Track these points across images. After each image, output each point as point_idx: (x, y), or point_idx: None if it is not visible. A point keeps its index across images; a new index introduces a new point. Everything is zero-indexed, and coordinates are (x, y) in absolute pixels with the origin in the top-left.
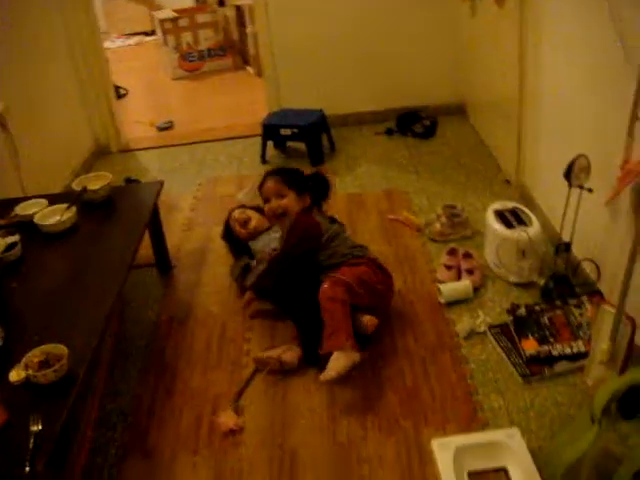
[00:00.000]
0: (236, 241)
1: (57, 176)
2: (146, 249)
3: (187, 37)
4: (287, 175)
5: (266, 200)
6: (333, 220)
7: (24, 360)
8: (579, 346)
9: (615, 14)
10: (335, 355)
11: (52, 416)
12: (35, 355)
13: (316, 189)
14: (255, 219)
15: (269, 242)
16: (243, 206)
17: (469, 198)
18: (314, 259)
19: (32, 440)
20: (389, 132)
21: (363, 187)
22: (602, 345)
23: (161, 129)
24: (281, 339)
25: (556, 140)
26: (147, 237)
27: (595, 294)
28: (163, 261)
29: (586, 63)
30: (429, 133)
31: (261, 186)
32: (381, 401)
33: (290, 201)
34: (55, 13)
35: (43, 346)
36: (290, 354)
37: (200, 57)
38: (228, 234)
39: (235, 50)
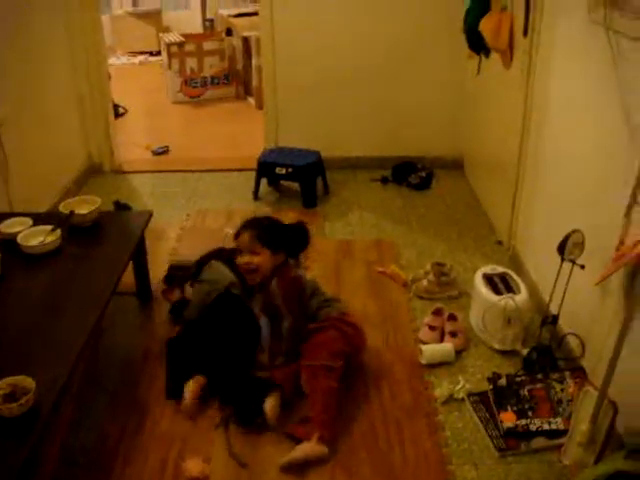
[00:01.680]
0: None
1: (47, 192)
2: (128, 276)
3: (192, 63)
4: (263, 232)
5: (239, 251)
6: None
7: None
8: (558, 423)
9: (624, 91)
10: (303, 444)
11: (12, 453)
12: (1, 387)
13: (295, 240)
14: (262, 264)
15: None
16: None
17: (459, 257)
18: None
19: None
20: (384, 180)
21: (353, 234)
22: (582, 426)
23: (156, 153)
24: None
25: (552, 209)
26: (131, 264)
27: (578, 370)
28: (144, 291)
29: (591, 136)
30: (424, 185)
31: (237, 235)
32: (352, 460)
33: (263, 259)
34: (60, 24)
35: (10, 378)
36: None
37: (203, 84)
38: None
39: (238, 80)
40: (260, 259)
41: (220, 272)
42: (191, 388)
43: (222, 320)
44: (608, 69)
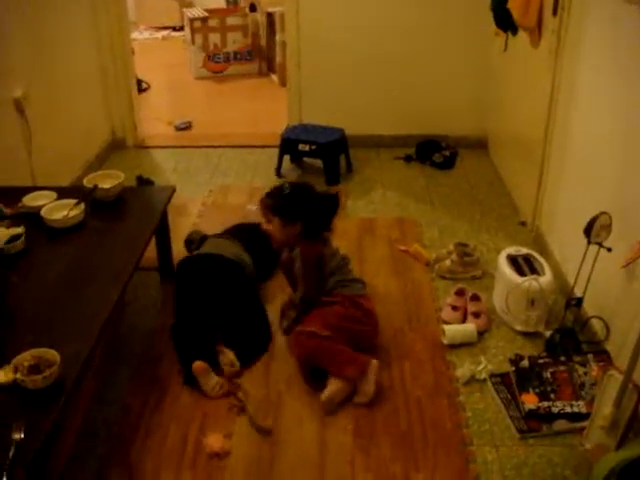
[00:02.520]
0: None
1: (70, 166)
2: (150, 252)
3: (215, 38)
4: (275, 201)
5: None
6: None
7: (14, 362)
8: (580, 406)
9: None
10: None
11: (36, 425)
12: (26, 359)
13: (315, 213)
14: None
15: None
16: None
17: (482, 236)
18: None
19: (12, 449)
20: (408, 159)
21: (376, 212)
22: (605, 410)
23: (179, 129)
24: (278, 362)
25: (578, 190)
26: (153, 240)
27: (602, 354)
28: (166, 266)
29: (619, 118)
30: (448, 164)
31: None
32: (372, 441)
33: (274, 228)
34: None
35: (35, 350)
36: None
37: (226, 59)
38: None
39: (262, 56)
40: (271, 227)
41: (222, 248)
42: (202, 377)
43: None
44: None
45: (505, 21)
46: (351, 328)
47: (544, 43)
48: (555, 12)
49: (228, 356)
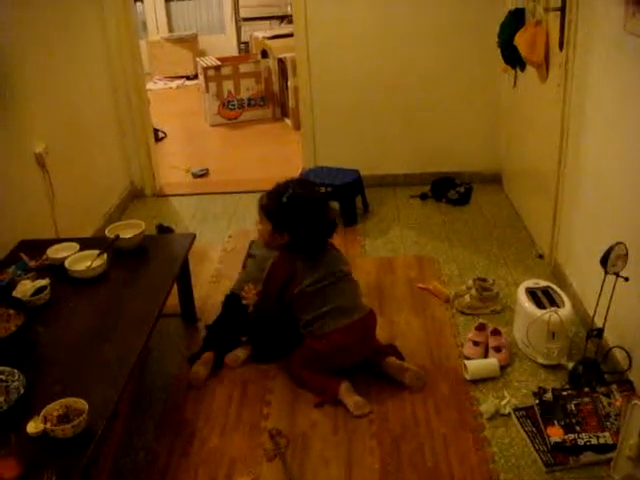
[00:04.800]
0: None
1: (91, 217)
2: (173, 298)
3: (229, 85)
4: (271, 206)
5: None
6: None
7: (43, 412)
8: (606, 437)
9: None
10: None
11: (66, 473)
12: (55, 408)
13: (318, 231)
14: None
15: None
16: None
17: (500, 271)
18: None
19: None
20: (423, 197)
21: (394, 251)
22: (630, 440)
23: (196, 176)
24: (303, 403)
25: (593, 221)
26: (175, 286)
27: (625, 384)
28: (189, 312)
29: (629, 147)
30: (463, 200)
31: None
32: (399, 477)
33: (263, 229)
34: (100, 52)
35: (64, 399)
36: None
37: (240, 106)
38: None
39: (275, 101)
40: (261, 227)
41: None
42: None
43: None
44: None
45: (513, 57)
46: (341, 357)
47: (552, 77)
48: (561, 47)
49: (235, 352)
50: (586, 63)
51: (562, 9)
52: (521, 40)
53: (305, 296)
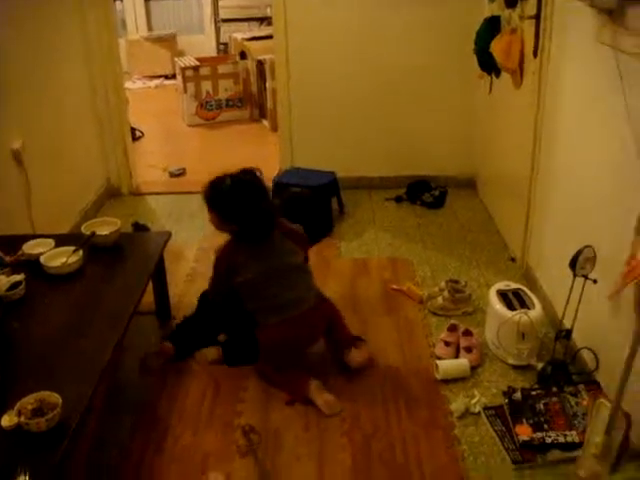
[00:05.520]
0: None
1: (67, 214)
2: (148, 296)
3: (207, 86)
4: (213, 196)
5: None
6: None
7: (17, 406)
8: (573, 436)
9: (632, 112)
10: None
11: (40, 467)
12: (29, 402)
13: (258, 218)
14: (211, 221)
15: None
16: None
17: (473, 273)
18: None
19: None
20: (398, 199)
21: (369, 252)
22: (596, 438)
23: (173, 175)
24: (275, 401)
25: (564, 225)
26: (150, 284)
27: (592, 384)
28: (164, 310)
29: (600, 153)
30: (438, 203)
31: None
32: (370, 474)
33: (211, 219)
34: (79, 50)
35: (37, 393)
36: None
37: (218, 106)
38: None
39: (253, 103)
40: (209, 217)
41: None
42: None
43: None
44: (616, 88)
45: (489, 64)
46: (287, 349)
47: (526, 84)
48: (535, 54)
49: (205, 350)
50: (559, 71)
51: (537, 17)
52: (497, 47)
53: (248, 287)
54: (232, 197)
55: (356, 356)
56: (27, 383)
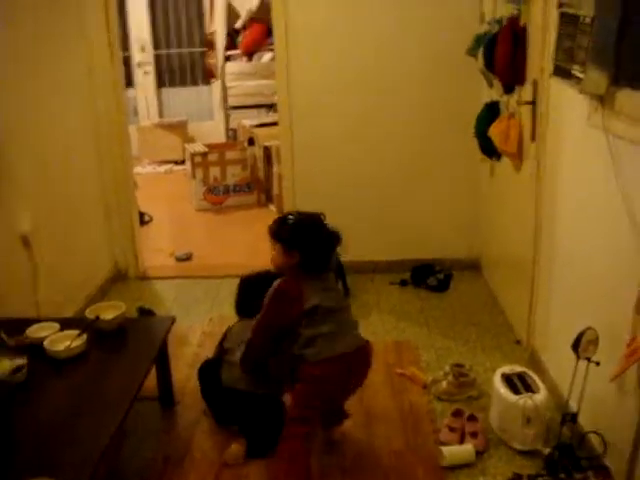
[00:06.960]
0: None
1: (73, 297)
2: (151, 381)
3: (215, 171)
4: (277, 228)
5: None
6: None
7: None
8: None
9: (626, 192)
10: None
11: None
12: None
13: (313, 241)
14: (274, 258)
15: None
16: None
17: (478, 357)
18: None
19: None
20: (403, 283)
21: (373, 336)
22: None
23: (180, 260)
24: None
25: (567, 307)
26: (153, 369)
27: (601, 469)
28: (167, 396)
29: (599, 235)
30: (443, 287)
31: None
32: None
33: (276, 253)
34: (90, 136)
35: (36, 479)
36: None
37: (225, 191)
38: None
39: (260, 188)
40: (274, 253)
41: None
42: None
43: None
44: (609, 170)
45: (488, 148)
46: (333, 388)
47: (525, 167)
48: (533, 138)
49: (235, 450)
50: (556, 154)
51: (533, 103)
52: (495, 131)
53: (313, 313)
54: (297, 225)
55: (337, 432)
56: (25, 468)
